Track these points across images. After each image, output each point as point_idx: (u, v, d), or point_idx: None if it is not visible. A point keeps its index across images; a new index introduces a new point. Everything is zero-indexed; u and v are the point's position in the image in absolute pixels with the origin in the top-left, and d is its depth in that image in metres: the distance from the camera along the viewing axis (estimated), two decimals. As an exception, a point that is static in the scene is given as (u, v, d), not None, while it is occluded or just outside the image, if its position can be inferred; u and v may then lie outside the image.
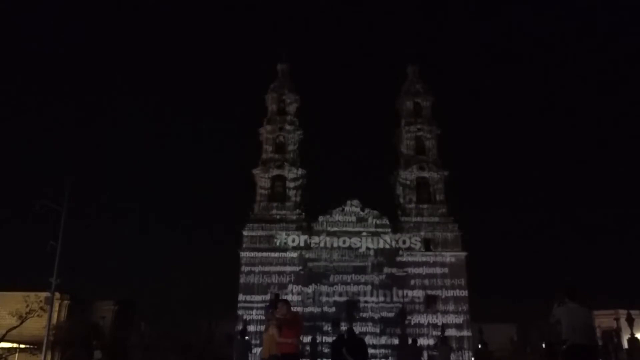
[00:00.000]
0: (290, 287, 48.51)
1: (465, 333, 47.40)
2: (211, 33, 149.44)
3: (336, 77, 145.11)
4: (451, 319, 47.64)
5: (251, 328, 42.82)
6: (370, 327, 47.39)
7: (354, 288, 48.72)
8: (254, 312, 46.88)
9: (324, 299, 48.39)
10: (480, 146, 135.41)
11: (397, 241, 50.08)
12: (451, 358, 29.51)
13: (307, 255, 49.37)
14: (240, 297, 48.11)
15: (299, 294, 47.96)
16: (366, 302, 48.46)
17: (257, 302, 47.37)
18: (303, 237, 49.68)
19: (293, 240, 49.63)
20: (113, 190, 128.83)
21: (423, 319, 47.77)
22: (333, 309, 47.96)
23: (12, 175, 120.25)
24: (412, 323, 47.06)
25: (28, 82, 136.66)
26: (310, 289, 48.57)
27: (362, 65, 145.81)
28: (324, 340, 43.24)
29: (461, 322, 47.81)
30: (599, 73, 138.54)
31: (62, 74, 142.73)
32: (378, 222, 50.87)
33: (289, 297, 47.20)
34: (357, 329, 47.00)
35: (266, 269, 48.79)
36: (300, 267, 49.04)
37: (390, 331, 47.25)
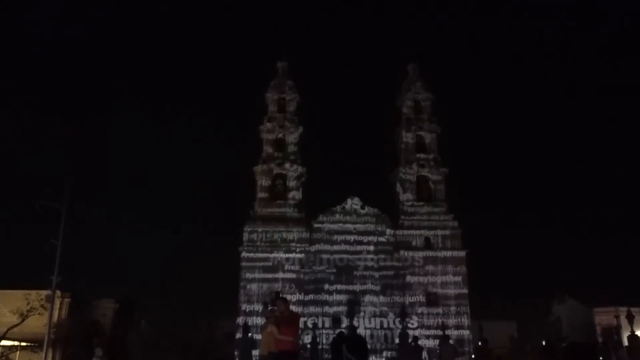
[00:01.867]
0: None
1: (466, 330, 47.54)
2: (211, 31, 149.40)
3: (336, 75, 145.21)
4: (451, 316, 47.79)
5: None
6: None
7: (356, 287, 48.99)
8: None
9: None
10: (481, 144, 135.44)
11: (396, 239, 50.21)
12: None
13: (307, 258, 49.50)
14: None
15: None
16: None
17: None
18: (303, 239, 49.93)
19: (291, 239, 49.88)
20: (113, 190, 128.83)
21: (423, 316, 47.96)
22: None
23: (12, 175, 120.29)
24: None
25: (28, 82, 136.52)
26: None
27: (363, 64, 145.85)
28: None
29: (461, 319, 47.93)
30: (599, 72, 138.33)
31: (62, 73, 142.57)
32: (378, 220, 51.02)
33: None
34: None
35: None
36: (300, 267, 49.22)
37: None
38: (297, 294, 47.58)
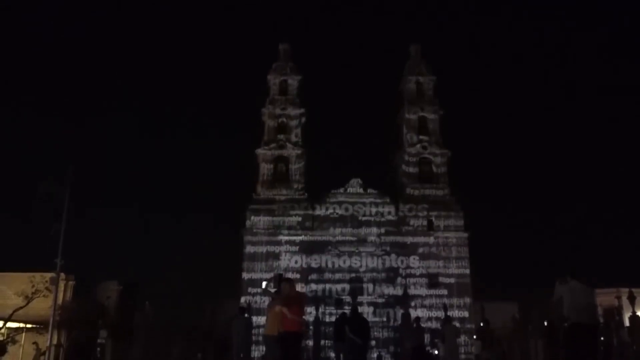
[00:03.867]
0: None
1: (467, 311, 47.83)
2: (211, 24, 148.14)
3: (339, 56, 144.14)
4: (453, 297, 48.06)
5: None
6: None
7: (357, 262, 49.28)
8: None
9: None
10: (484, 126, 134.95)
11: (399, 221, 50.34)
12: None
13: (310, 240, 49.71)
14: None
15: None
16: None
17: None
18: (305, 221, 50.09)
19: (294, 221, 50.06)
20: (115, 175, 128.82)
21: (425, 297, 48.27)
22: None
23: (14, 164, 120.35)
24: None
25: (28, 82, 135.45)
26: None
27: (365, 45, 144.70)
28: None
29: (463, 300, 48.20)
30: (599, 72, 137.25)
31: (62, 73, 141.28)
32: (380, 202, 51.12)
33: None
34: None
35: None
36: (303, 248, 49.46)
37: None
38: (300, 274, 47.82)
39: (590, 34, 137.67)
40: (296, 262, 49.05)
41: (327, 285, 48.57)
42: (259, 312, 44.12)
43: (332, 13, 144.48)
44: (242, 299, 46.56)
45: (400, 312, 47.47)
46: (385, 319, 47.94)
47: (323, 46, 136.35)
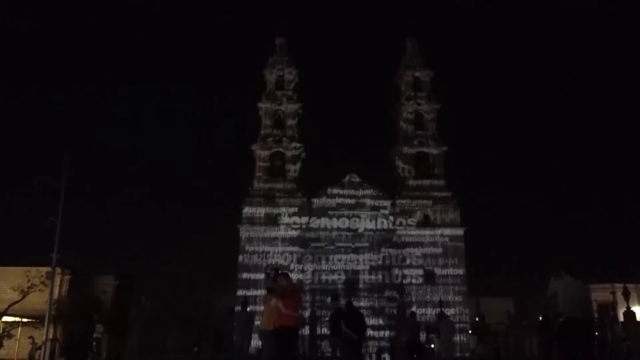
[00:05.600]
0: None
1: (463, 307, 47.93)
2: (209, 9, 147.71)
3: (335, 51, 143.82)
4: (449, 293, 48.15)
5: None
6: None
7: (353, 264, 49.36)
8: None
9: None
10: (482, 122, 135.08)
11: (395, 216, 50.39)
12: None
13: (306, 235, 49.71)
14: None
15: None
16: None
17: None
18: (302, 216, 50.17)
19: (291, 216, 50.14)
20: (113, 168, 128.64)
21: (421, 292, 48.39)
22: None
23: (12, 153, 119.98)
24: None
25: (29, 70, 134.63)
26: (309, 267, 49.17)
27: (362, 39, 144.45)
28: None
29: (459, 295, 48.30)
30: (599, 72, 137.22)
31: (62, 63, 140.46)
32: (377, 196, 51.14)
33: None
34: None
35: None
36: (299, 242, 49.47)
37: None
38: (296, 270, 47.87)
39: (590, 33, 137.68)
40: (291, 256, 49.04)
41: (323, 280, 48.56)
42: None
43: (330, 9, 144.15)
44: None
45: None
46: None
47: (320, 41, 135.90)
